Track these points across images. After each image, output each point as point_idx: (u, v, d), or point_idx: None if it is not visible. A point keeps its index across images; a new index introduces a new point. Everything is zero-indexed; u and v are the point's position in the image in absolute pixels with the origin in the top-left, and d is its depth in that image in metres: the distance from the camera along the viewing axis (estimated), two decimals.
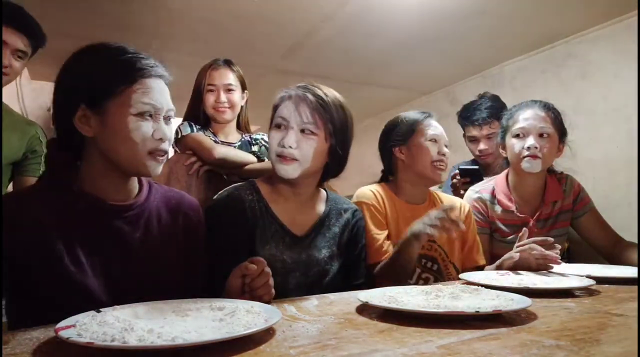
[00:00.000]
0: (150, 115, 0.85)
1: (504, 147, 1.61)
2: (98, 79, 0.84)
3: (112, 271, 0.84)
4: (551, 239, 1.22)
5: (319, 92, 1.07)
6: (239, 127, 1.82)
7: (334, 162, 1.12)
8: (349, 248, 1.17)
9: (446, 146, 1.42)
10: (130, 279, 0.86)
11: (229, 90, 1.69)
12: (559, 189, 1.59)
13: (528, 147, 1.47)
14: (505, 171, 1.64)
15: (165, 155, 0.90)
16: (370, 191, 1.39)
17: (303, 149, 1.04)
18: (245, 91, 1.78)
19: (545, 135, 1.49)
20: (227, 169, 1.60)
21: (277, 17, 2.44)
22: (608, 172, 2.29)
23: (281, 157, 1.04)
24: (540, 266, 1.22)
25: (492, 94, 2.11)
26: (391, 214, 1.37)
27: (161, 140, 0.85)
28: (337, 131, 1.07)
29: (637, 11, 2.24)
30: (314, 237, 1.10)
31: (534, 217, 1.55)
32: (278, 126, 1.06)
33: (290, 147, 1.02)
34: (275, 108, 1.09)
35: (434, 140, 1.39)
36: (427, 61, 3.07)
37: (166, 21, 2.49)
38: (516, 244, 1.26)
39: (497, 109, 2.02)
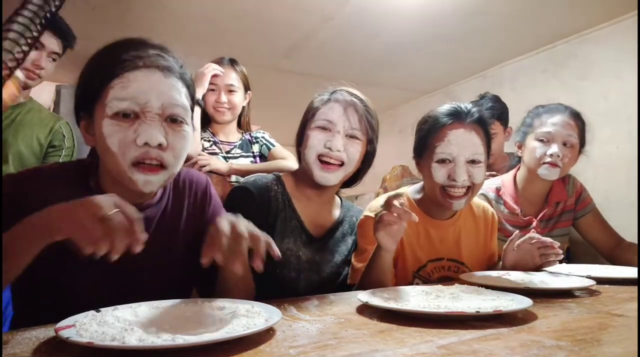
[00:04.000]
0: (136, 115, 0.71)
1: (520, 147, 1.58)
2: (86, 81, 0.76)
3: (120, 271, 0.77)
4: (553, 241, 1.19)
5: (364, 98, 1.10)
6: (240, 126, 1.81)
7: (365, 168, 1.14)
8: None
9: (473, 162, 1.13)
10: (137, 279, 0.82)
11: (230, 91, 1.69)
12: (563, 190, 1.58)
13: (551, 154, 1.43)
14: (514, 171, 1.62)
15: (162, 169, 0.74)
16: (381, 207, 1.18)
17: (350, 153, 1.05)
18: (249, 92, 1.77)
19: (569, 144, 1.47)
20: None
21: (277, 17, 2.44)
22: (608, 172, 2.29)
23: (325, 162, 1.04)
24: (543, 257, 1.17)
25: (492, 94, 2.11)
26: (407, 233, 1.17)
27: (147, 145, 0.70)
28: (375, 138, 1.11)
29: (637, 11, 2.24)
30: (327, 240, 1.12)
31: (538, 218, 1.54)
32: (322, 128, 1.06)
33: (338, 150, 1.03)
34: (316, 109, 1.09)
35: (443, 160, 1.14)
36: (427, 61, 3.07)
37: (166, 21, 2.49)
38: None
39: (498, 109, 2.02)
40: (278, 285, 1.01)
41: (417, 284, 1.19)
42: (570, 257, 1.79)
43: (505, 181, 1.60)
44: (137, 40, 0.77)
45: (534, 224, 1.50)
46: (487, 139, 1.18)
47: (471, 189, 1.16)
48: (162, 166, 0.74)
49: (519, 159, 1.61)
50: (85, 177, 0.81)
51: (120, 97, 0.70)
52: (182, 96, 0.75)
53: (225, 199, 1.07)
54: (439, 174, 1.14)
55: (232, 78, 1.70)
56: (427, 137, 1.18)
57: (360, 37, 2.67)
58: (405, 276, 1.20)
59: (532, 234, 1.19)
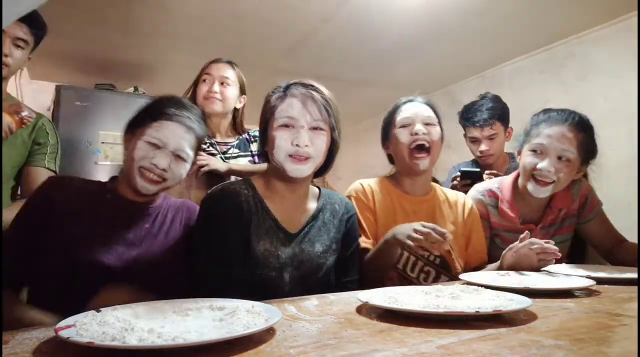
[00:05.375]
0: (157, 146, 1.05)
1: (519, 153, 1.48)
2: (142, 113, 1.12)
3: (123, 252, 1.01)
4: (552, 242, 1.19)
5: (320, 88, 1.10)
6: (235, 128, 1.81)
7: (332, 156, 1.14)
8: (343, 243, 1.18)
9: (428, 124, 1.32)
10: (134, 262, 1.02)
11: (223, 83, 1.67)
12: (567, 195, 1.48)
13: (540, 169, 1.34)
14: (514, 174, 1.52)
15: (159, 182, 1.05)
16: (360, 184, 1.38)
17: (316, 146, 1.05)
18: (244, 96, 1.76)
19: (564, 158, 1.34)
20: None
21: (277, 18, 2.44)
22: (608, 172, 2.30)
23: (295, 157, 1.04)
24: (542, 262, 1.18)
25: (493, 94, 2.10)
26: (385, 206, 1.34)
27: (155, 166, 1.03)
28: (336, 125, 1.10)
29: (637, 11, 2.24)
30: (307, 232, 1.11)
31: (539, 226, 1.46)
32: (285, 126, 1.05)
33: (306, 145, 1.03)
34: (274, 108, 1.08)
35: (404, 125, 1.34)
36: (427, 61, 3.08)
37: (165, 22, 2.49)
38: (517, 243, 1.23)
39: (498, 109, 2.01)
40: (261, 285, 1.01)
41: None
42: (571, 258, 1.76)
43: (504, 184, 1.51)
44: (182, 103, 1.14)
45: (535, 232, 1.43)
46: (437, 114, 1.38)
47: (431, 148, 1.32)
48: (162, 180, 1.06)
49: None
50: (104, 183, 1.14)
51: (153, 135, 1.05)
52: (188, 146, 1.09)
53: (198, 210, 1.11)
54: (403, 134, 1.33)
55: (228, 72, 1.69)
56: (390, 117, 1.40)
57: (360, 37, 2.68)
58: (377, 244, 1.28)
59: (533, 239, 1.18)
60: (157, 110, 1.09)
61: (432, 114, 1.36)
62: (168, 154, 1.06)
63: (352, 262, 1.19)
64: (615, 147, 2.31)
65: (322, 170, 1.16)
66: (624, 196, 2.26)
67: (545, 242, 1.18)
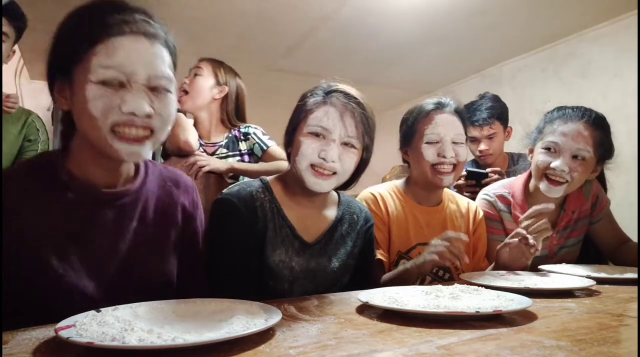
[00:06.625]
0: (121, 83, 0.69)
1: (531, 151, 1.41)
2: (64, 42, 0.72)
3: (105, 266, 0.77)
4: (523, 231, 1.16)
5: (361, 100, 1.01)
6: (223, 123, 1.75)
7: (359, 173, 1.08)
8: (359, 255, 1.12)
9: (457, 143, 1.26)
10: (124, 273, 0.79)
11: (195, 75, 1.67)
12: (580, 195, 1.43)
13: (554, 168, 1.28)
14: (524, 176, 1.45)
15: (146, 138, 0.73)
16: (371, 194, 1.32)
17: (344, 163, 0.99)
18: (223, 86, 1.71)
19: (580, 157, 1.28)
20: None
21: (276, 17, 2.44)
22: (607, 171, 2.29)
23: (317, 170, 0.97)
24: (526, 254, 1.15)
25: (492, 94, 2.10)
26: (397, 217, 1.29)
27: (133, 114, 0.69)
28: (370, 144, 1.04)
29: (637, 11, 2.24)
30: (324, 244, 1.05)
31: (555, 230, 1.39)
32: (316, 134, 0.97)
33: (333, 161, 0.96)
34: (309, 112, 0.99)
35: (432, 142, 1.26)
36: (427, 61, 3.08)
37: (165, 21, 2.49)
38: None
39: (497, 109, 2.01)
40: (272, 297, 0.95)
41: (403, 264, 1.21)
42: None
43: (515, 188, 1.44)
44: (119, 2, 0.73)
45: (552, 235, 1.38)
46: (464, 125, 1.32)
47: (456, 166, 1.27)
48: (150, 134, 0.73)
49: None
50: (54, 170, 0.76)
51: (105, 64, 0.67)
52: (166, 66, 0.74)
53: (210, 212, 0.98)
54: (429, 152, 1.26)
55: (201, 64, 1.69)
56: (415, 123, 1.30)
57: (359, 37, 2.68)
58: (390, 257, 1.27)
59: (518, 230, 1.16)
60: (93, 24, 0.69)
61: (461, 130, 1.28)
62: (143, 89, 0.70)
63: (365, 274, 1.14)
64: (615, 146, 2.31)
65: (344, 186, 1.09)
66: (624, 196, 2.26)
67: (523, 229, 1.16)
